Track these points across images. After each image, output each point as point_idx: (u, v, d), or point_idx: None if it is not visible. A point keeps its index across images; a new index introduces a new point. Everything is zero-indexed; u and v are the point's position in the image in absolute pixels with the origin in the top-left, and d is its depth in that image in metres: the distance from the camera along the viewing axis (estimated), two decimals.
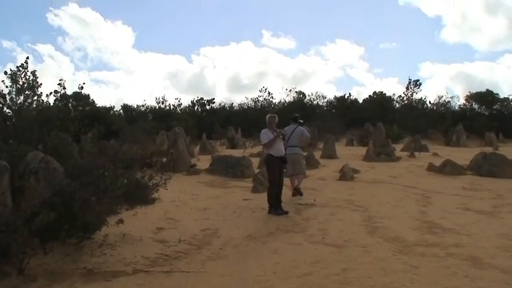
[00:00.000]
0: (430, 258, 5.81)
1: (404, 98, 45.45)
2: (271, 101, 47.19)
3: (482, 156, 14.89)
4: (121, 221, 6.18)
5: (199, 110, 49.08)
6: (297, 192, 10.52)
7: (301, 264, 5.53)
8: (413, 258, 5.80)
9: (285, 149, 9.47)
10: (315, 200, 9.90)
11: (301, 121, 10.97)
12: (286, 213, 8.53)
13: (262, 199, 9.41)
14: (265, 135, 8.85)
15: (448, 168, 14.48)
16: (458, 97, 42.31)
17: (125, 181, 6.61)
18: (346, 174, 13.05)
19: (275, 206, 8.60)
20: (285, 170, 9.61)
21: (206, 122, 42.33)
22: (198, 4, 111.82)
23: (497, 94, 41.79)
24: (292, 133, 10.50)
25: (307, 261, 5.66)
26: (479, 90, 42.03)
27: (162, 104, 50.02)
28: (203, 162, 16.22)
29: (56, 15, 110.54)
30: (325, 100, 47.77)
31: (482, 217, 8.48)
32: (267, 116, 9.29)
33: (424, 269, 5.35)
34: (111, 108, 41.49)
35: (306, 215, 8.59)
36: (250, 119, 39.96)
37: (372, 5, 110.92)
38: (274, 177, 8.74)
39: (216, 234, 7.03)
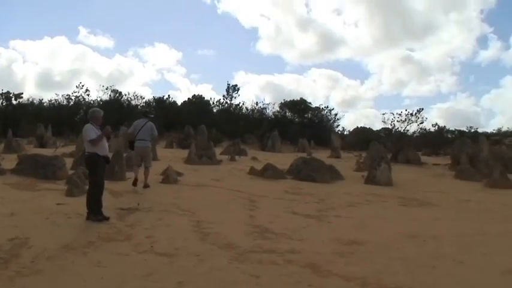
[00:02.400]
0: (268, 266, 5.41)
1: (223, 103, 46.00)
2: (85, 99, 44.23)
3: (302, 161, 15.30)
4: None
5: (4, 104, 44.41)
6: (145, 186, 11.13)
7: (130, 279, 4.72)
8: (251, 266, 5.35)
9: (134, 142, 10.76)
10: (138, 204, 9.01)
11: (152, 116, 11.46)
12: (107, 219, 7.49)
13: (78, 203, 8.36)
14: (92, 131, 7.62)
15: (270, 172, 14.57)
16: (273, 104, 43.51)
17: None
18: (169, 177, 12.34)
19: (95, 211, 7.54)
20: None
21: (12, 117, 38.37)
22: None
23: (310, 103, 44.48)
24: (142, 127, 11.20)
25: (137, 274, 4.87)
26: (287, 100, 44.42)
27: None
28: (8, 161, 14.24)
29: None
30: (143, 101, 46.43)
31: (311, 221, 8.42)
32: (91, 110, 8.12)
33: (265, 278, 4.92)
34: None
35: (130, 220, 7.68)
36: (62, 117, 37.24)
37: (191, 12, 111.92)
38: (98, 178, 7.68)
39: (27, 245, 5.80)
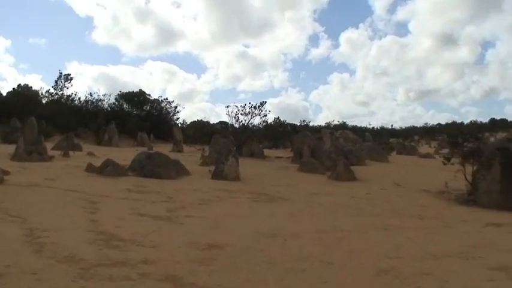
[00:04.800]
0: (121, 282, 4.49)
1: (54, 93, 42.58)
2: None
3: (146, 156, 14.30)
4: None
5: None
6: None
7: None
8: (100, 284, 4.40)
9: None
10: None
11: None
12: None
13: None
14: None
15: (110, 169, 13.37)
16: (109, 96, 41.23)
17: None
18: None
19: None
20: None
21: None
22: None
23: (149, 95, 43.18)
24: None
25: None
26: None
27: None
28: None
29: None
30: None
31: (161, 223, 7.58)
32: None
33: None
34: None
35: None
36: None
37: None
38: None
39: None
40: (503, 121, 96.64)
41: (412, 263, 5.56)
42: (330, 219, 8.68)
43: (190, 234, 6.88)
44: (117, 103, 41.65)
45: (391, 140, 50.88)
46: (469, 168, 12.07)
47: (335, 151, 19.74)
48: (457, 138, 13.39)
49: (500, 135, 62.34)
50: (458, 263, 5.61)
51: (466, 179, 12.01)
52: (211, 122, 50.78)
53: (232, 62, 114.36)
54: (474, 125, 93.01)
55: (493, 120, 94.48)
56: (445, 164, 13.21)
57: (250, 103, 25.00)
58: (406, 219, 8.91)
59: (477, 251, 6.25)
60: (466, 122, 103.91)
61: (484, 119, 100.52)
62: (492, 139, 30.62)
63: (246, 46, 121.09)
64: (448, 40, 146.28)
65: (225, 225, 7.75)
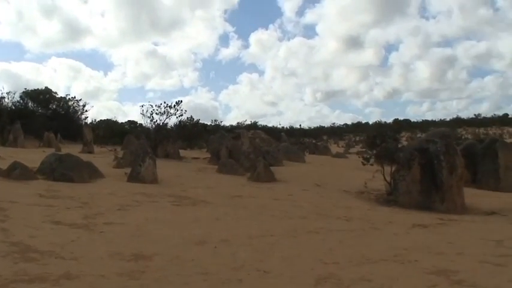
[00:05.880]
0: None
1: None
2: None
3: (56, 158, 13.44)
4: None
5: None
6: None
7: None
8: None
9: None
10: None
11: None
12: None
13: None
14: None
15: (18, 172, 12.40)
16: (13, 94, 38.75)
17: None
18: None
19: None
20: None
21: None
22: None
23: (56, 93, 41.27)
24: None
25: None
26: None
27: None
28: None
29: None
30: None
31: (80, 232, 7.02)
32: None
33: None
34: None
35: None
36: None
37: None
38: None
39: None
40: (407, 121, 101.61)
41: (349, 268, 5.47)
42: (258, 223, 8.48)
43: (112, 243, 6.42)
44: (21, 101, 39.37)
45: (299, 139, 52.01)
46: (388, 169, 12.34)
47: (253, 152, 19.66)
48: (375, 139, 13.70)
49: (404, 135, 65.71)
50: (396, 267, 5.57)
51: (385, 179, 12.27)
52: (120, 122, 49.42)
53: (141, 60, 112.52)
54: (378, 124, 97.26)
55: (396, 121, 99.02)
56: (364, 164, 13.46)
57: (165, 102, 24.44)
58: (333, 221, 8.89)
59: (411, 253, 6.28)
60: (370, 122, 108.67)
61: (388, 119, 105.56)
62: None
63: (156, 44, 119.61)
64: (354, 43, 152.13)
65: (149, 232, 7.32)
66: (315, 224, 8.49)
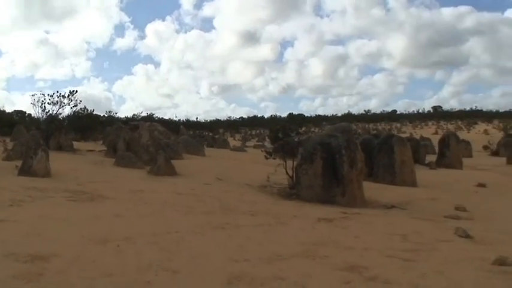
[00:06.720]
0: None
1: None
2: None
3: None
4: None
5: None
6: None
7: None
8: None
9: None
10: None
11: None
12: None
13: None
14: None
15: None
16: None
17: None
18: None
19: None
20: None
21: None
22: None
23: None
24: None
25: None
26: None
27: None
28: None
29: None
30: None
31: None
32: None
33: None
34: None
35: None
36: None
37: None
38: None
39: None
40: (300, 116, 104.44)
41: (261, 265, 5.40)
42: (161, 219, 8.19)
43: (6, 243, 5.90)
44: None
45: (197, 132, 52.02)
46: (290, 163, 12.48)
47: (153, 144, 19.17)
48: (277, 133, 13.82)
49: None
50: (307, 263, 5.58)
51: (287, 173, 12.40)
52: (7, 111, 46.59)
53: (31, 48, 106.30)
54: (274, 119, 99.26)
55: (291, 115, 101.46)
56: (267, 158, 13.53)
57: (58, 91, 23.12)
58: (239, 217, 8.81)
59: (320, 249, 6.33)
60: (266, 116, 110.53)
61: (282, 114, 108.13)
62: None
63: (47, 32, 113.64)
64: (251, 38, 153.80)
65: (45, 230, 6.82)
66: (221, 219, 8.35)
